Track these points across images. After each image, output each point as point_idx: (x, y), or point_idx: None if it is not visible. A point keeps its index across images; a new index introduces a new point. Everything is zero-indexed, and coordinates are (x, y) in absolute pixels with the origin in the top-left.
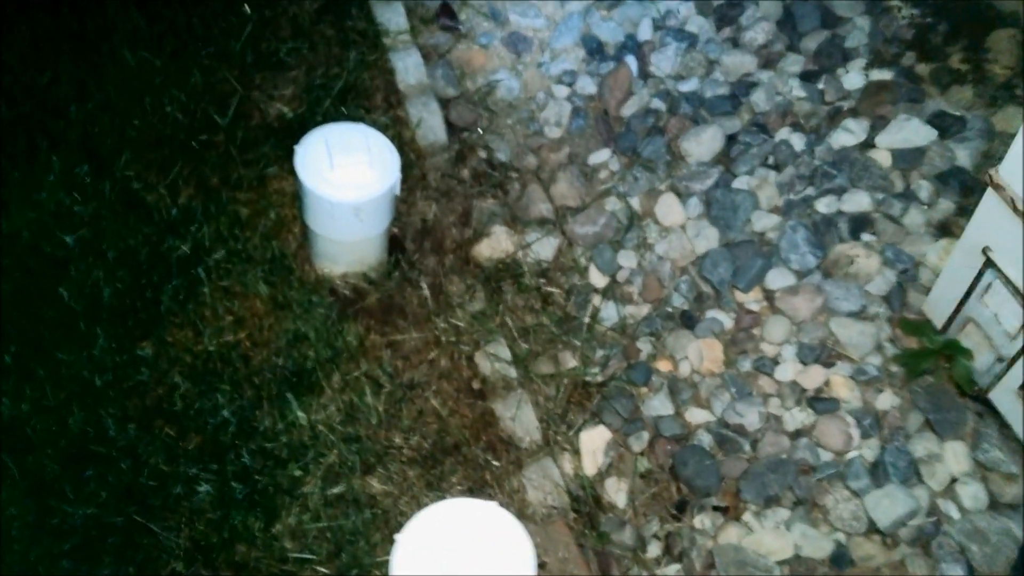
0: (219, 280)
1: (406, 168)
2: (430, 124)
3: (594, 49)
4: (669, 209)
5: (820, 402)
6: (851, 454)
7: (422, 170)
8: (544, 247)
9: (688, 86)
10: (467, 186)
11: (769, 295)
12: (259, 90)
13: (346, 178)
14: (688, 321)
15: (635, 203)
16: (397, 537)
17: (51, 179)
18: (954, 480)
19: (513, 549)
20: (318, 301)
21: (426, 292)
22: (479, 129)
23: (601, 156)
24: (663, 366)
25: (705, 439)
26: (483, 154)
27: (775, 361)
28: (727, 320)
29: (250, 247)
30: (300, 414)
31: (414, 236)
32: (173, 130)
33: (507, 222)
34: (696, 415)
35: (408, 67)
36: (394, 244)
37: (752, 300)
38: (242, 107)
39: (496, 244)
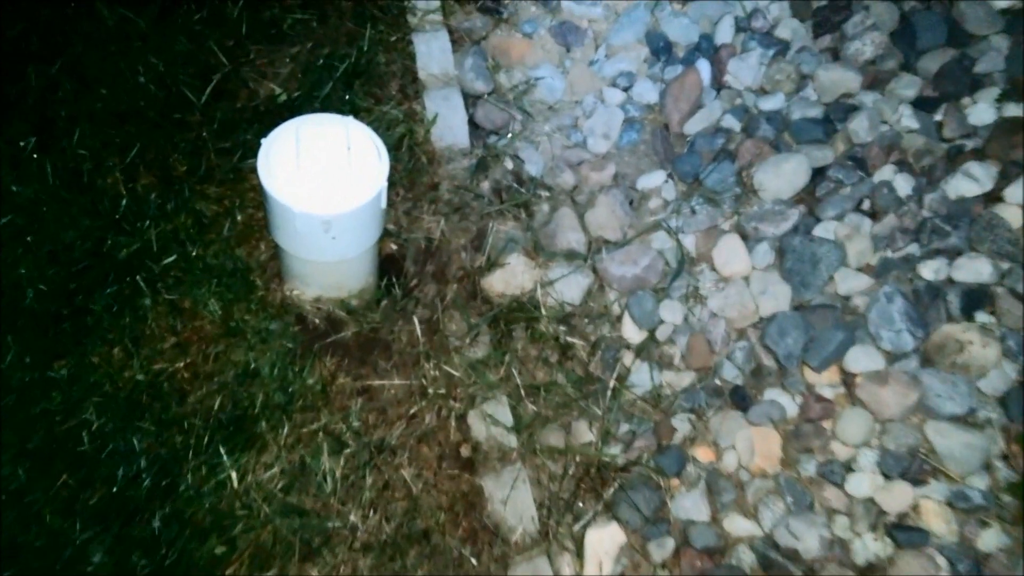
0: (166, 292)
1: (415, 174)
2: (450, 122)
3: (660, 49)
4: (731, 255)
5: (903, 531)
6: None
7: (433, 178)
8: (570, 287)
9: (771, 103)
10: (485, 202)
11: (849, 380)
12: (250, 66)
13: (315, 183)
14: (740, 400)
15: (689, 243)
16: None
17: None
18: None
19: None
20: (279, 330)
21: (418, 329)
22: (509, 134)
23: (653, 180)
24: (703, 455)
25: (746, 558)
26: (510, 165)
27: (848, 468)
28: (791, 405)
29: (209, 254)
30: (233, 474)
31: (415, 257)
32: (143, 104)
33: (528, 252)
34: (738, 525)
35: (432, 52)
36: (390, 265)
37: (826, 384)
38: (227, 84)
39: (511, 277)
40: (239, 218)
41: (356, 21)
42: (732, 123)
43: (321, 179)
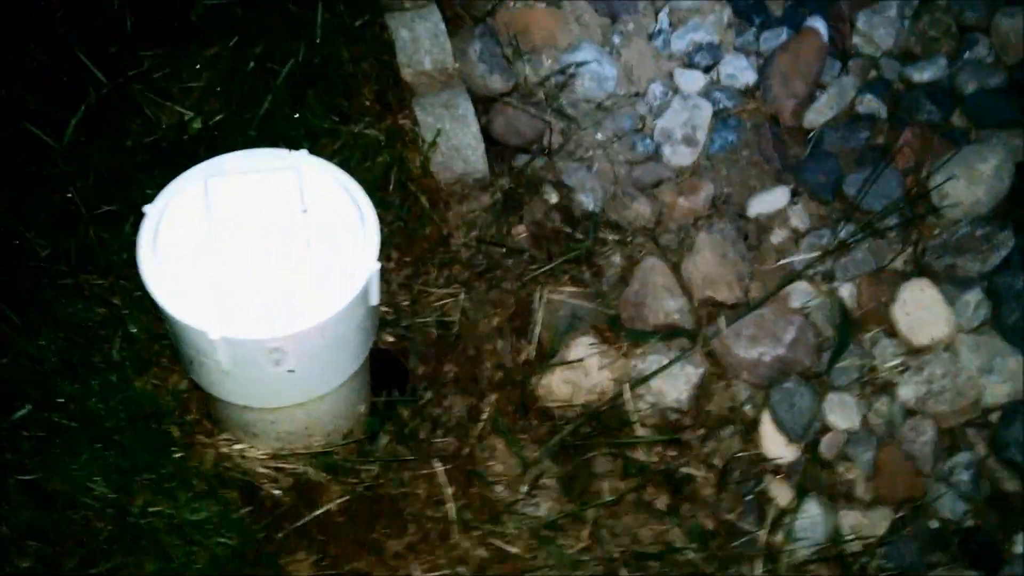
0: (17, 469)
1: (413, 225)
2: (456, 141)
3: (749, 7)
4: (923, 310)
5: None
6: None
7: (441, 228)
8: (674, 383)
9: (928, 72)
10: (525, 259)
11: None
12: (144, 80)
13: (246, 284)
14: (982, 554)
15: (848, 295)
16: None
17: None
18: None
19: None
20: (214, 516)
21: (441, 475)
22: (546, 150)
23: (772, 201)
24: None
25: None
26: (553, 197)
27: None
28: None
29: (90, 394)
30: None
31: (426, 354)
32: None
33: (602, 332)
34: None
35: (419, 39)
36: (386, 369)
37: None
38: (106, 112)
39: (581, 376)
40: (134, 329)
41: (301, 1)
42: (874, 106)
43: (258, 274)
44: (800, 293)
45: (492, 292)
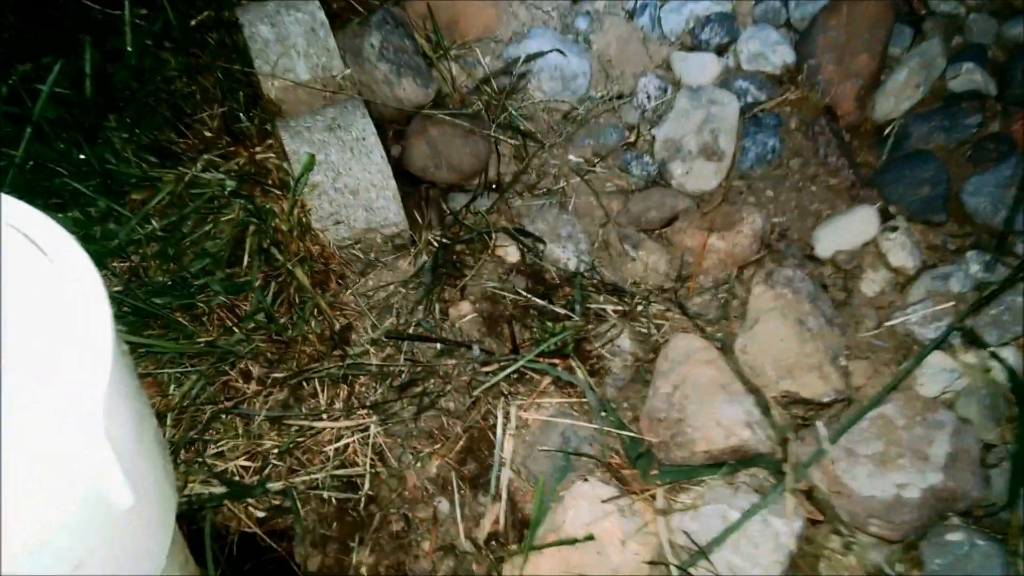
0: None
1: (290, 319)
2: (353, 180)
3: None
4: None
5: None
6: None
7: (334, 320)
8: (752, 549)
9: None
10: (474, 356)
11: None
12: None
13: None
14: None
15: (1017, 366)
16: None
17: None
18: None
19: None
20: None
21: None
22: (493, 185)
23: (853, 231)
24: None
25: None
26: (511, 253)
27: None
28: None
29: None
30: None
31: (318, 533)
32: None
33: (614, 469)
34: None
35: (289, 36)
36: (256, 570)
37: None
38: None
39: (589, 555)
40: None
41: None
42: (977, 79)
43: None
44: (933, 372)
45: (424, 418)
